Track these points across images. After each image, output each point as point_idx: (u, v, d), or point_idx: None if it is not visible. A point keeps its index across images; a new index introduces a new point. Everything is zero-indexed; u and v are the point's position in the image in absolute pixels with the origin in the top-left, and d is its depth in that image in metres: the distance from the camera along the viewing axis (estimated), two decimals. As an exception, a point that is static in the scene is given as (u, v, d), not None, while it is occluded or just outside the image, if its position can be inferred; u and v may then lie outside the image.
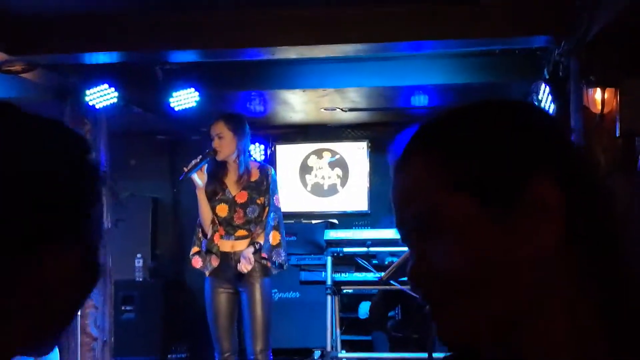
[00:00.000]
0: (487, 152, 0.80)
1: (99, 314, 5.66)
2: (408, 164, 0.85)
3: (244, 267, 4.21)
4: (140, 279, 7.77)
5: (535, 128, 0.83)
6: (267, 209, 4.34)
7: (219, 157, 4.29)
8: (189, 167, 4.26)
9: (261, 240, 4.31)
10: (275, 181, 4.43)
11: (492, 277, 0.77)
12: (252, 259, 4.24)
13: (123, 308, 7.51)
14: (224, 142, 4.30)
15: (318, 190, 8.34)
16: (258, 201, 4.31)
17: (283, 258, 4.38)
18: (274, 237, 4.35)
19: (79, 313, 5.18)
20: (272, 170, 4.49)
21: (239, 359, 4.37)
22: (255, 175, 4.35)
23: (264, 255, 4.29)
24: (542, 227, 0.77)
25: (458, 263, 0.78)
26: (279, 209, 4.45)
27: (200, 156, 4.30)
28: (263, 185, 4.33)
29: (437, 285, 0.80)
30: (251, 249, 4.27)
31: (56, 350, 5.18)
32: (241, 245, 4.31)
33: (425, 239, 0.81)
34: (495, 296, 0.77)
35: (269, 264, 4.33)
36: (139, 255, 7.78)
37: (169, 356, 7.67)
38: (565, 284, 0.78)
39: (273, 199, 4.38)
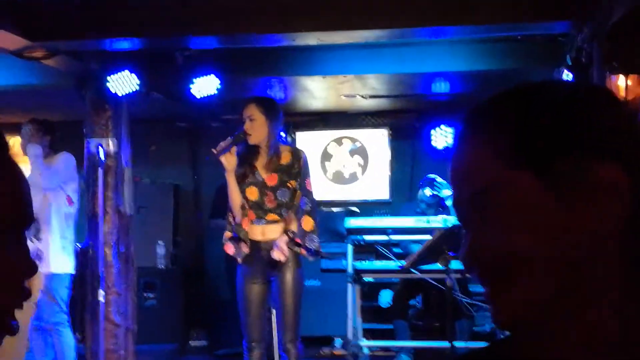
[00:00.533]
0: (554, 132, 0.79)
1: (122, 300, 5.69)
2: (472, 139, 0.85)
3: (277, 255, 4.12)
4: (162, 266, 7.80)
5: (604, 111, 0.82)
6: (298, 193, 4.26)
7: (251, 141, 4.21)
8: (217, 149, 4.19)
9: (294, 227, 4.22)
10: (307, 165, 4.32)
11: (551, 257, 0.77)
12: (286, 250, 4.15)
13: (145, 295, 7.56)
14: (256, 125, 4.23)
15: (339, 178, 8.33)
16: (289, 184, 4.23)
17: (317, 244, 4.27)
18: (307, 222, 4.25)
19: (102, 300, 5.22)
20: (304, 153, 4.40)
21: (265, 348, 4.31)
22: (286, 158, 4.27)
23: (297, 240, 4.21)
24: (606, 209, 0.77)
25: (518, 241, 0.78)
26: (312, 193, 4.34)
27: (230, 138, 4.22)
28: (294, 168, 4.24)
29: (495, 263, 0.79)
30: (285, 238, 4.16)
31: (70, 335, 5.22)
32: (272, 232, 4.21)
33: (485, 217, 0.81)
34: (552, 275, 0.77)
35: (304, 251, 4.25)
36: (160, 242, 7.81)
37: (190, 342, 7.72)
38: (622, 274, 0.77)
39: (305, 183, 4.28)
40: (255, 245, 4.23)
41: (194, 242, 8.41)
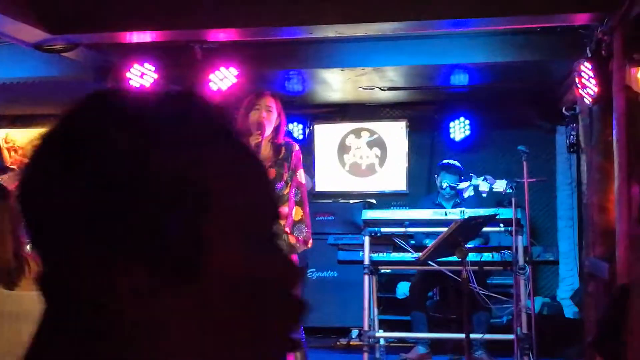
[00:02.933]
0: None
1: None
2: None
3: None
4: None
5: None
6: (289, 185, 4.36)
7: (264, 132, 4.28)
8: (255, 147, 4.24)
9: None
10: (299, 157, 4.45)
11: None
12: None
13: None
14: (271, 117, 4.31)
15: (356, 170, 8.33)
16: (284, 177, 4.33)
17: (305, 234, 4.35)
18: (297, 213, 4.36)
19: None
20: (297, 146, 4.49)
21: None
22: (282, 152, 4.37)
23: (286, 230, 4.29)
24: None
25: None
26: (303, 184, 4.46)
27: (258, 132, 4.27)
28: (287, 161, 4.34)
29: None
30: None
31: None
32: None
33: None
34: None
35: (294, 240, 4.32)
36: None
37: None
38: None
39: (296, 175, 4.39)
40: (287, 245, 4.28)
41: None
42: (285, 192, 4.32)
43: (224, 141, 0.70)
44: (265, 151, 4.35)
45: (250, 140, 4.24)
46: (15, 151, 8.91)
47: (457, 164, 6.64)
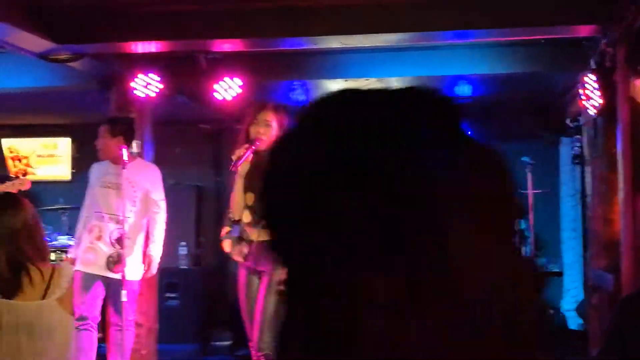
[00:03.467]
0: None
1: (144, 300, 5.73)
2: None
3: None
4: (184, 267, 7.85)
5: None
6: None
7: (261, 146, 4.24)
8: (235, 157, 4.23)
9: None
10: None
11: None
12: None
13: (167, 295, 7.60)
14: (269, 132, 4.27)
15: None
16: None
17: None
18: None
19: (125, 299, 5.26)
20: None
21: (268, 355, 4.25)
22: None
23: None
24: None
25: None
26: None
27: (246, 145, 4.25)
28: None
29: None
30: None
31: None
32: (265, 235, 4.28)
33: None
34: None
35: None
36: (182, 243, 7.86)
37: (211, 343, 7.75)
38: None
39: None
40: (250, 243, 4.28)
41: (216, 243, 8.44)
42: None
43: (463, 139, 0.69)
44: (265, 165, 4.32)
45: (235, 152, 4.23)
46: (19, 160, 8.92)
47: None
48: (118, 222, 5.11)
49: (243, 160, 4.20)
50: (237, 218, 4.30)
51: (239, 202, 4.29)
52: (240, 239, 4.31)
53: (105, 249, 5.12)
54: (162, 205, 5.33)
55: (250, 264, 4.28)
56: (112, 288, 5.15)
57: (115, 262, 5.08)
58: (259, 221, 4.27)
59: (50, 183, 8.41)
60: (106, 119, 5.30)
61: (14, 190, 4.77)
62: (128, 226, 5.11)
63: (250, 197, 4.28)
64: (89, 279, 5.09)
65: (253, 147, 4.19)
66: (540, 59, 5.77)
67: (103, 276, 5.14)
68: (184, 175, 8.51)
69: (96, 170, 5.20)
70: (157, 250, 5.30)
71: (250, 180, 4.27)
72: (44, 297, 2.87)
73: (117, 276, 5.09)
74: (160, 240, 5.32)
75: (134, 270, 5.17)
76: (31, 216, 2.94)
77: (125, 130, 5.20)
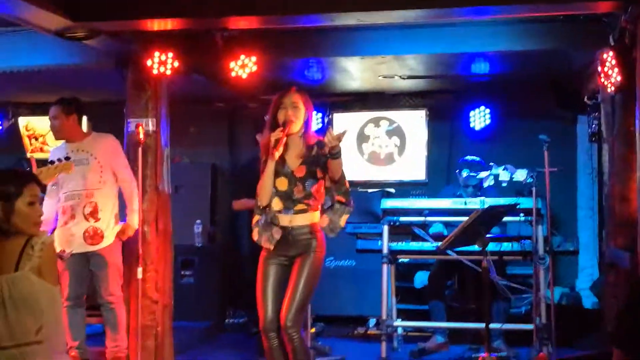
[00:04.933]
0: None
1: (160, 277, 5.77)
2: None
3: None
4: (200, 244, 7.89)
5: None
6: (323, 182, 4.27)
7: (292, 129, 4.23)
8: (275, 142, 4.18)
9: (323, 221, 4.28)
10: None
11: None
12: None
13: (182, 272, 7.66)
14: (298, 113, 4.27)
15: (375, 159, 8.32)
16: (317, 174, 4.24)
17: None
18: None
19: (140, 276, 5.30)
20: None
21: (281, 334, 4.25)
22: (314, 150, 4.28)
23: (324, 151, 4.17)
24: None
25: None
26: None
27: (281, 129, 4.21)
28: (320, 158, 4.25)
29: None
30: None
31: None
32: (299, 220, 4.22)
33: None
34: None
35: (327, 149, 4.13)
36: (198, 221, 7.89)
37: (226, 320, 7.80)
38: None
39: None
40: (283, 229, 4.24)
41: (231, 221, 8.48)
42: (313, 190, 4.25)
43: None
44: (297, 148, 4.29)
45: (271, 137, 4.21)
46: (36, 139, 8.96)
47: (478, 159, 6.60)
48: (87, 196, 5.23)
49: (281, 144, 4.18)
50: (264, 204, 4.25)
51: (268, 187, 4.24)
52: (269, 225, 4.26)
53: (81, 224, 5.22)
54: (128, 172, 5.37)
55: (279, 250, 4.23)
56: (94, 262, 5.27)
57: (92, 235, 5.18)
58: (290, 206, 4.25)
59: (67, 161, 8.45)
60: (56, 100, 5.39)
61: (56, 173, 4.81)
62: (98, 198, 5.24)
63: (283, 182, 4.24)
64: (71, 258, 5.16)
65: (287, 130, 4.19)
66: (559, 36, 5.71)
67: (83, 253, 5.24)
68: (199, 154, 8.54)
69: (56, 154, 5.23)
70: (135, 219, 5.37)
71: (282, 165, 4.24)
72: (16, 269, 2.92)
73: (97, 247, 5.22)
74: (136, 207, 5.37)
75: (112, 240, 5.30)
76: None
77: (77, 108, 5.38)
